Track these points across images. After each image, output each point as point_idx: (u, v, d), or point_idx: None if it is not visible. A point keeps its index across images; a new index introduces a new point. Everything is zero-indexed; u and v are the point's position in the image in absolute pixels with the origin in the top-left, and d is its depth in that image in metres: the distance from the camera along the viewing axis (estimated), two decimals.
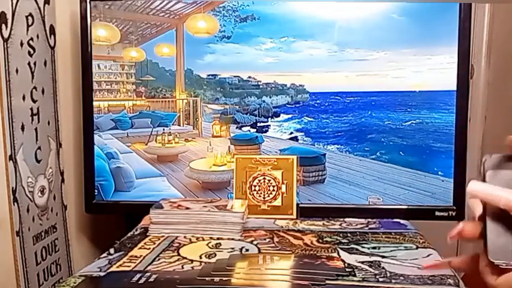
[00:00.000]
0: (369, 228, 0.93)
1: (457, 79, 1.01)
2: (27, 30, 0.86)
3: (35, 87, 0.89)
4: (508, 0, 1.42)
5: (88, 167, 1.07)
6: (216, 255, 0.75)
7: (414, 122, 1.05)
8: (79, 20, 1.04)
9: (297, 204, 1.00)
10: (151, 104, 1.11)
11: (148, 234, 0.86)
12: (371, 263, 0.71)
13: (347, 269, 0.67)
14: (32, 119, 0.88)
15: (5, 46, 0.80)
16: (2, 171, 0.80)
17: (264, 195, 1.00)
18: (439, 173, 1.03)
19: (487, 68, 1.50)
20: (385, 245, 0.80)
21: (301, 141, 1.10)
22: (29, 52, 0.87)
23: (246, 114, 1.11)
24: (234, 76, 1.09)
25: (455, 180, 1.01)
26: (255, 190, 1.00)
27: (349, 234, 0.87)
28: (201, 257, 0.74)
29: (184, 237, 0.85)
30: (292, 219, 0.98)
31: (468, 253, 0.77)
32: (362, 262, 0.71)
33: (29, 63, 0.87)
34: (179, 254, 0.76)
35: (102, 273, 0.68)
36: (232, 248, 0.78)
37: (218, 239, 0.84)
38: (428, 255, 0.75)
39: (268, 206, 1.00)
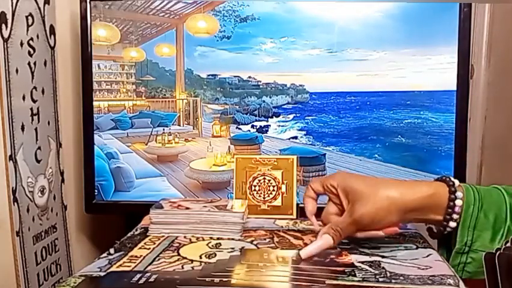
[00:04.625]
0: None
1: (457, 79, 1.01)
2: (27, 30, 0.86)
3: (35, 87, 0.89)
4: (508, 0, 1.42)
5: (88, 167, 1.07)
6: (216, 255, 0.75)
7: (414, 122, 1.05)
8: (79, 20, 1.04)
9: (297, 204, 1.00)
10: (151, 104, 1.11)
11: (148, 234, 0.86)
12: (371, 263, 0.71)
13: (347, 269, 0.67)
14: (32, 119, 0.88)
15: (5, 46, 0.80)
16: (2, 171, 0.80)
17: (264, 195, 1.00)
18: (439, 173, 1.03)
19: (487, 68, 1.50)
20: (385, 245, 0.80)
21: (301, 141, 1.10)
22: (29, 52, 0.87)
23: (246, 114, 1.11)
24: (234, 76, 1.09)
25: None
26: (255, 190, 1.00)
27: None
28: (201, 257, 0.74)
29: (184, 237, 0.85)
30: (292, 219, 0.98)
31: None
32: (362, 262, 0.71)
33: (29, 63, 0.87)
34: (179, 254, 0.76)
35: (102, 273, 0.68)
36: (232, 248, 0.78)
37: (218, 239, 0.84)
38: (428, 255, 0.75)
39: (268, 206, 1.00)
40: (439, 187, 0.70)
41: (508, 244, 0.64)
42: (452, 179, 0.71)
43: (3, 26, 0.79)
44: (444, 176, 0.72)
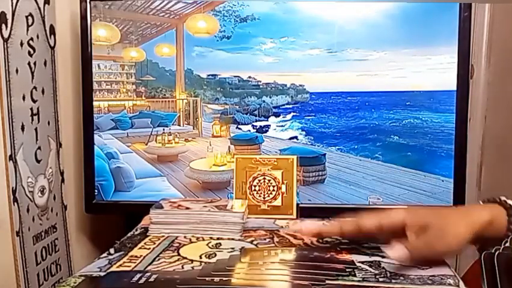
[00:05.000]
0: None
1: (457, 79, 1.01)
2: (27, 30, 0.86)
3: (35, 87, 0.89)
4: (508, 0, 1.42)
5: (88, 167, 1.07)
6: (216, 255, 0.75)
7: (414, 122, 1.05)
8: (79, 20, 1.04)
9: (297, 204, 1.00)
10: (151, 104, 1.11)
11: (148, 234, 0.86)
12: (371, 263, 0.71)
13: (347, 269, 0.67)
14: (32, 119, 0.88)
15: (5, 46, 0.80)
16: (2, 171, 0.80)
17: (264, 195, 1.00)
18: (439, 173, 1.03)
19: (487, 68, 1.50)
20: (385, 245, 0.80)
21: (301, 141, 1.10)
22: (29, 52, 0.87)
23: (246, 114, 1.11)
24: (234, 76, 1.09)
25: (455, 180, 1.01)
26: (255, 190, 1.00)
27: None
28: (201, 257, 0.74)
29: (184, 237, 0.85)
30: (292, 219, 0.98)
31: (468, 255, 0.77)
32: (362, 262, 0.71)
33: (29, 63, 0.87)
34: (179, 254, 0.76)
35: (102, 273, 0.68)
36: (232, 248, 0.78)
37: (218, 239, 0.84)
38: None
39: (268, 206, 1.00)
40: (497, 211, 0.70)
41: (507, 244, 0.64)
42: (507, 200, 0.70)
43: (3, 26, 0.79)
44: (495, 198, 0.72)
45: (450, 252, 0.67)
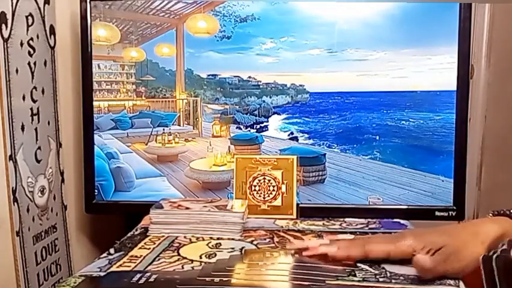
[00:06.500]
0: (369, 228, 0.93)
1: (457, 79, 1.01)
2: (27, 30, 0.86)
3: (35, 87, 0.89)
4: (508, 0, 1.42)
5: (88, 167, 1.07)
6: (216, 255, 0.75)
7: (414, 122, 1.05)
8: (79, 20, 1.04)
9: (297, 204, 1.00)
10: (151, 104, 1.11)
11: (148, 234, 0.86)
12: (371, 263, 0.71)
13: (347, 269, 0.67)
14: (32, 119, 0.88)
15: (5, 46, 0.80)
16: (2, 171, 0.80)
17: (264, 195, 1.00)
18: (439, 173, 1.03)
19: (487, 68, 1.50)
20: None
21: (301, 141, 1.10)
22: (29, 52, 0.87)
23: (246, 114, 1.11)
24: (234, 76, 1.09)
25: (455, 180, 1.01)
26: (255, 190, 1.00)
27: (349, 234, 0.87)
28: (201, 257, 0.74)
29: (184, 237, 0.85)
30: (292, 219, 0.98)
31: None
32: (362, 262, 0.71)
33: (29, 63, 0.87)
34: (179, 254, 0.76)
35: (102, 273, 0.68)
36: (232, 248, 0.79)
37: (218, 239, 0.84)
38: None
39: (268, 206, 1.00)
40: (507, 224, 0.70)
41: (505, 246, 0.64)
42: None
43: (3, 26, 0.79)
44: (504, 210, 0.73)
45: (466, 271, 0.67)
